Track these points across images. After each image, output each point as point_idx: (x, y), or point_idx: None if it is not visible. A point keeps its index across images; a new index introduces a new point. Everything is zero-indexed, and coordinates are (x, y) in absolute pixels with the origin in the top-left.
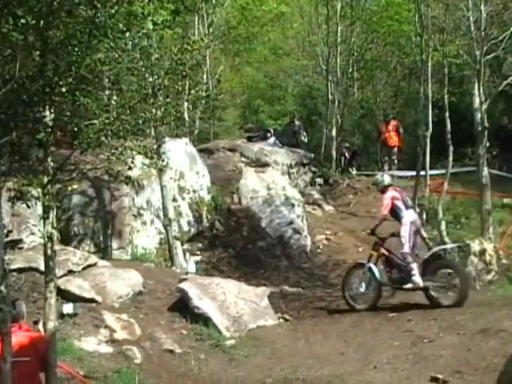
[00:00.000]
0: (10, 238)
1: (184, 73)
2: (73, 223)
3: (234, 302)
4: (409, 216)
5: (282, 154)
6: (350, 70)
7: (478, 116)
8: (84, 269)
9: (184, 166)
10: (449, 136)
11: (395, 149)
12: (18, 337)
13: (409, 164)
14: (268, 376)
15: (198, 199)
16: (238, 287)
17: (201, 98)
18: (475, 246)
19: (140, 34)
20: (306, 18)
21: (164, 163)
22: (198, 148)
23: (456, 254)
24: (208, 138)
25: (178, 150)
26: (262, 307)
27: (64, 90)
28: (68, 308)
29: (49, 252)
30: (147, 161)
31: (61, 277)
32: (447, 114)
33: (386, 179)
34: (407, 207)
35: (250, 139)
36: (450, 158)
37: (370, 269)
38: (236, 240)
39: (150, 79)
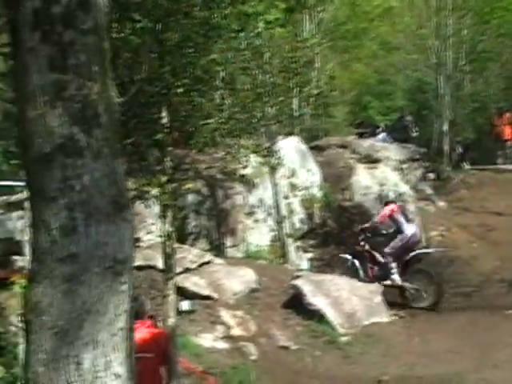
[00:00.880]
0: None
1: (296, 71)
2: (188, 221)
3: (347, 299)
4: (409, 229)
5: (393, 149)
6: (462, 62)
7: None
8: (199, 266)
9: (295, 164)
10: None
11: (509, 142)
12: (141, 333)
13: None
14: (384, 373)
15: (310, 196)
16: (351, 284)
17: (313, 96)
18: None
19: (252, 34)
20: (416, 11)
21: (277, 161)
22: (308, 145)
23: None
24: (318, 135)
25: (290, 148)
26: (375, 303)
27: (180, 90)
28: (185, 305)
29: (168, 250)
30: (260, 159)
31: (178, 274)
32: None
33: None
34: (407, 221)
35: (360, 135)
36: None
37: (352, 263)
38: (348, 237)
39: (263, 78)
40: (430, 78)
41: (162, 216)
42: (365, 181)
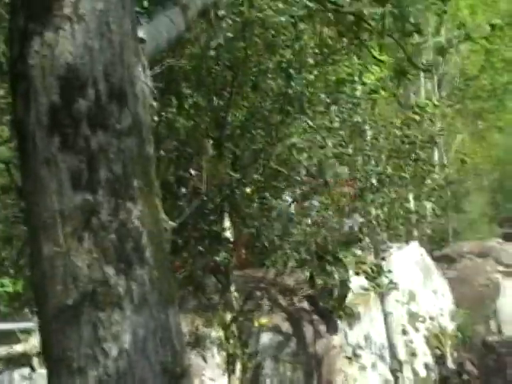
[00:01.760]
0: None
1: (413, 155)
2: (263, 372)
3: None
4: None
5: None
6: None
7: None
8: None
9: (415, 283)
10: None
11: None
12: None
13: None
14: None
15: (438, 330)
16: None
17: (438, 189)
18: None
19: (350, 105)
20: None
21: (390, 283)
22: (433, 255)
23: None
24: (444, 239)
25: (406, 261)
26: None
27: (248, 190)
28: None
29: None
30: (366, 282)
31: None
32: None
33: None
34: None
35: (507, 237)
36: None
37: None
38: None
39: (365, 167)
40: None
41: (227, 369)
42: None
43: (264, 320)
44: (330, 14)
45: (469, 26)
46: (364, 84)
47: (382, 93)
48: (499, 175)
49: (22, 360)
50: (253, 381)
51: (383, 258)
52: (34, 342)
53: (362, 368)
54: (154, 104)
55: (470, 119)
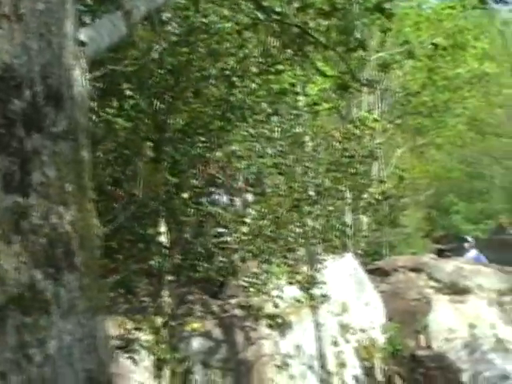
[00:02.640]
0: None
1: (352, 169)
2: (193, 378)
3: None
4: None
5: (490, 274)
6: None
7: None
8: None
9: (348, 295)
10: None
11: None
12: None
13: None
14: None
15: (369, 342)
16: None
17: (375, 203)
18: None
19: (290, 116)
20: None
21: (322, 296)
22: (367, 268)
23: None
24: (379, 253)
25: (340, 273)
26: None
27: (185, 196)
28: None
29: None
30: (298, 293)
31: None
32: None
33: None
34: None
35: (440, 253)
36: None
37: None
38: None
39: (303, 179)
40: None
41: (156, 374)
42: (447, 320)
43: (196, 325)
44: (274, 25)
45: (413, 43)
46: (306, 95)
47: (324, 105)
48: (436, 191)
49: None
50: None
51: (317, 270)
52: None
53: (292, 377)
54: (93, 105)
55: (410, 135)
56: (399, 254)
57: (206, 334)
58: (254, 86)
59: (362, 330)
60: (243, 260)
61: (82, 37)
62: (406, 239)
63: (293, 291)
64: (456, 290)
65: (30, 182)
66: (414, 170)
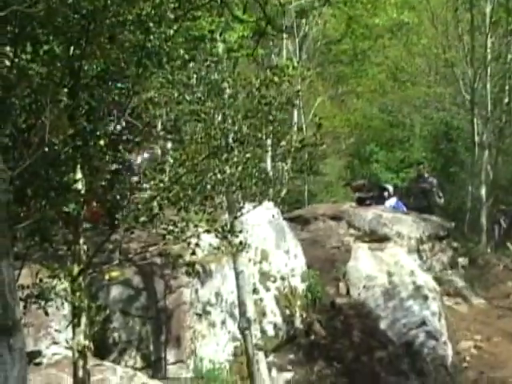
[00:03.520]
0: None
1: (270, 116)
2: (111, 326)
3: None
4: None
5: (409, 222)
6: (506, 99)
7: None
8: None
9: (268, 243)
10: None
11: None
12: None
13: None
14: None
15: (289, 290)
16: None
17: (293, 152)
18: None
19: (208, 63)
20: (441, 27)
21: (240, 244)
22: (287, 216)
23: None
24: (301, 201)
25: (260, 221)
26: None
27: (102, 143)
28: None
29: (80, 373)
30: (217, 241)
31: None
32: None
33: None
34: None
35: (360, 201)
36: None
37: None
38: (344, 349)
39: (222, 126)
40: (460, 121)
41: (73, 322)
42: (367, 268)
43: (114, 273)
44: None
45: None
46: (225, 42)
47: (243, 52)
48: (356, 140)
49: None
50: (100, 334)
51: (236, 217)
52: None
53: (212, 325)
54: (6, 49)
55: (331, 83)
56: (320, 202)
57: (126, 282)
58: (171, 32)
59: (282, 278)
60: (161, 207)
61: None
62: (326, 187)
63: (212, 239)
64: (375, 238)
65: None
66: (335, 119)
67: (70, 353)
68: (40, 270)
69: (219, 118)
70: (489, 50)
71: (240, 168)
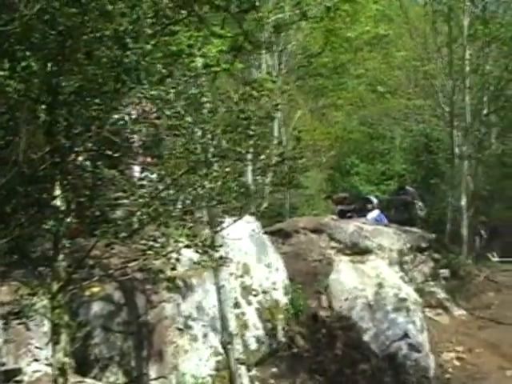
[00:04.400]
0: (3, 368)
1: (250, 130)
2: (93, 342)
3: None
4: None
5: (390, 235)
6: (485, 111)
7: None
8: None
9: (249, 257)
10: None
11: None
12: None
13: None
14: None
15: (271, 303)
16: None
17: (272, 165)
18: None
19: (186, 78)
20: (419, 39)
21: (221, 258)
22: (268, 230)
23: None
24: (282, 214)
25: (241, 234)
26: None
27: (81, 158)
28: None
29: None
30: (198, 256)
31: None
32: None
33: None
34: None
35: (342, 214)
36: None
37: None
38: (327, 362)
39: (202, 140)
40: (440, 133)
41: (53, 340)
42: (349, 280)
43: (95, 289)
44: None
45: (306, 4)
46: (204, 56)
47: (222, 66)
48: (337, 153)
49: None
50: (81, 350)
51: (217, 232)
52: None
53: (194, 339)
54: None
55: (311, 96)
56: (301, 215)
57: (106, 298)
58: (148, 47)
59: (264, 292)
60: (141, 223)
61: None
62: (307, 200)
63: (192, 254)
64: (357, 251)
65: None
66: (316, 132)
67: (50, 370)
68: (20, 287)
69: (198, 133)
70: (467, 62)
71: (220, 182)
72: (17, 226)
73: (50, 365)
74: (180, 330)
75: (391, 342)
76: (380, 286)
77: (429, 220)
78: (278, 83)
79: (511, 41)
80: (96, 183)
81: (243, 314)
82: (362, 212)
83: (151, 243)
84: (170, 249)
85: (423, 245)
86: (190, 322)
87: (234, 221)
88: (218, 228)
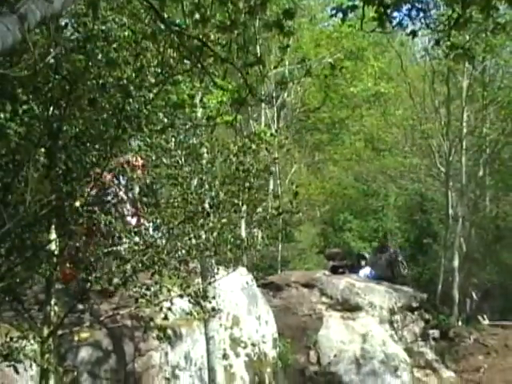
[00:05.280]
0: None
1: (247, 183)
2: None
3: None
4: None
5: (382, 292)
6: (481, 173)
7: None
8: None
9: (240, 309)
10: None
11: None
12: None
13: None
14: None
15: (259, 356)
16: None
17: (269, 219)
18: None
19: (187, 126)
20: (418, 99)
21: (213, 310)
22: (259, 283)
23: None
24: (274, 267)
25: (233, 286)
26: None
27: (78, 204)
28: None
29: None
30: (189, 306)
31: None
32: None
33: None
34: None
35: (334, 270)
36: None
37: None
38: None
39: (199, 191)
40: (435, 193)
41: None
42: (338, 336)
43: (84, 334)
44: (173, 35)
45: (310, 61)
46: (204, 107)
47: (223, 117)
48: (331, 208)
49: None
50: None
51: (210, 283)
52: None
53: None
54: None
55: (308, 150)
56: (293, 269)
57: (95, 344)
58: (151, 95)
59: (253, 344)
60: (135, 270)
61: None
62: (300, 254)
63: (184, 303)
64: (347, 307)
65: None
66: (311, 186)
67: None
68: (10, 330)
69: (196, 183)
70: (464, 124)
71: (215, 233)
72: (10, 269)
73: None
74: (167, 379)
75: None
76: (368, 343)
77: (421, 279)
78: (277, 137)
79: (509, 104)
80: (92, 229)
81: (231, 365)
82: (354, 268)
83: (144, 291)
84: (162, 298)
85: (414, 304)
86: (178, 372)
87: (227, 273)
88: (211, 279)
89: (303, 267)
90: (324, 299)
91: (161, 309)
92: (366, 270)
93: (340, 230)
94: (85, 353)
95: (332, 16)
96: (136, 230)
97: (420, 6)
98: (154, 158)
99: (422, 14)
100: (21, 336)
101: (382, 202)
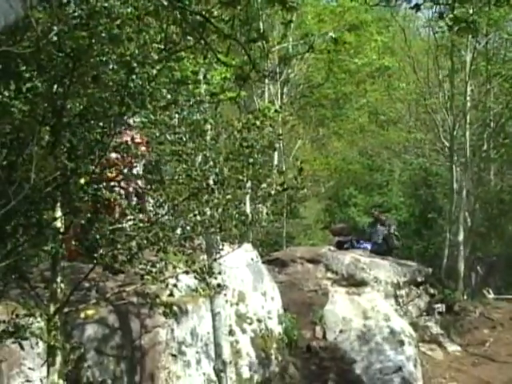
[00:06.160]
0: None
1: (251, 159)
2: (85, 365)
3: None
4: None
5: (387, 267)
6: (485, 147)
7: None
8: None
9: (245, 285)
10: None
11: None
12: None
13: None
14: None
15: (265, 332)
16: None
17: (274, 195)
18: None
19: (191, 103)
20: (422, 73)
21: (218, 286)
22: (265, 259)
23: None
24: (279, 243)
25: (238, 262)
26: None
27: (82, 181)
28: None
29: None
30: (195, 282)
31: None
32: None
33: None
34: None
35: (339, 245)
36: None
37: None
38: None
39: (204, 167)
40: (439, 168)
41: (47, 362)
42: (343, 312)
43: (90, 311)
44: (176, 12)
45: (314, 36)
46: (208, 83)
47: (226, 93)
48: (336, 183)
49: None
50: (74, 373)
51: (215, 259)
52: None
53: (187, 365)
54: None
55: (312, 126)
56: (298, 245)
57: (101, 321)
58: (154, 72)
59: (259, 320)
60: (140, 247)
61: None
62: (305, 230)
63: (190, 280)
64: (353, 282)
65: None
66: (315, 162)
67: None
68: (16, 307)
69: (200, 160)
70: (468, 98)
71: (220, 210)
72: (16, 247)
73: None
74: (173, 355)
75: (384, 374)
76: (374, 318)
77: (425, 254)
78: (281, 113)
79: None
80: (97, 206)
81: (237, 341)
82: (359, 243)
83: (149, 268)
84: (167, 274)
85: (419, 279)
86: (184, 348)
87: (233, 249)
88: (216, 255)
89: (308, 243)
90: (329, 275)
91: (166, 285)
92: (366, 245)
93: (345, 206)
94: (91, 330)
95: None
96: (140, 206)
97: None
98: (157, 134)
99: None
100: (27, 313)
101: (387, 176)
